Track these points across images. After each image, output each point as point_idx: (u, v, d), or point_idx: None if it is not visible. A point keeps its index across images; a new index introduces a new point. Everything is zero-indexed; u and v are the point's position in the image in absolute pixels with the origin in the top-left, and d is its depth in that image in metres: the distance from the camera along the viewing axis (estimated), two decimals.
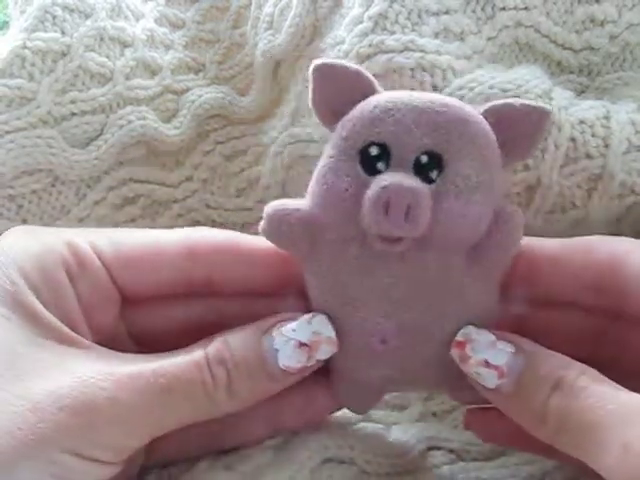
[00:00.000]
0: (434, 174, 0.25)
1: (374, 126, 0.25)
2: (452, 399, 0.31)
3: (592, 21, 0.33)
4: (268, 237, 0.27)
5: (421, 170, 0.25)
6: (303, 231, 0.26)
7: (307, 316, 0.27)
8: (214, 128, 0.40)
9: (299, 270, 0.27)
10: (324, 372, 0.28)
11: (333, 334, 0.27)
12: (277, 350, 0.26)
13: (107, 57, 0.38)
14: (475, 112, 0.26)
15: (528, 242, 0.27)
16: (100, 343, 0.27)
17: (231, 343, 0.26)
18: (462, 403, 0.31)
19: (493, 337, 0.26)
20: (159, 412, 0.25)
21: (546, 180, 0.30)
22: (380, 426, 0.33)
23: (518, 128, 0.26)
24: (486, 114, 0.26)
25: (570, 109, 0.30)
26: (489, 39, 0.32)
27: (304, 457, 0.28)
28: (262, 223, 0.27)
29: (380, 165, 0.25)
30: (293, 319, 0.27)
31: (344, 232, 0.26)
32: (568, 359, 0.25)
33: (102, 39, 0.38)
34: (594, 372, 0.24)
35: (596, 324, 0.27)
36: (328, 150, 0.26)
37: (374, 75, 0.30)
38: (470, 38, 0.32)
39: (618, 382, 0.24)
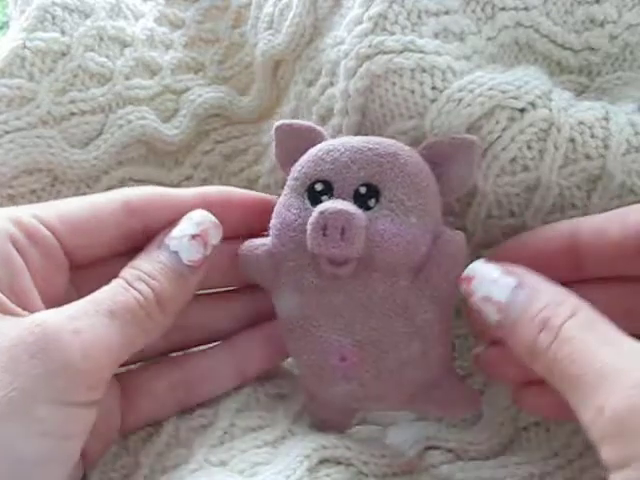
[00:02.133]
0: (372, 202, 0.28)
1: (317, 165, 0.29)
2: (417, 413, 0.32)
3: (592, 21, 0.33)
4: (242, 270, 0.31)
5: (361, 200, 0.28)
6: (268, 262, 0.30)
7: (187, 215, 0.30)
8: (214, 128, 0.40)
9: (219, 215, 0.30)
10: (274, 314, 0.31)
11: (214, 218, 0.30)
12: (177, 252, 0.29)
13: (107, 57, 0.38)
14: (407, 148, 0.29)
15: (575, 220, 0.28)
16: None
17: (139, 265, 0.29)
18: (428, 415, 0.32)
19: (497, 272, 0.26)
20: (113, 336, 0.27)
21: (545, 181, 0.30)
22: (378, 427, 0.33)
23: (451, 160, 0.29)
24: (421, 150, 0.29)
25: (569, 110, 0.30)
26: (489, 39, 0.32)
27: (301, 456, 0.29)
28: (238, 260, 0.31)
29: (325, 198, 0.28)
30: (176, 224, 0.29)
31: (299, 259, 0.29)
32: (563, 295, 0.25)
33: (102, 39, 0.38)
34: (585, 313, 0.24)
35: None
36: (284, 190, 0.30)
37: (374, 75, 0.30)
38: (470, 38, 0.32)
39: None
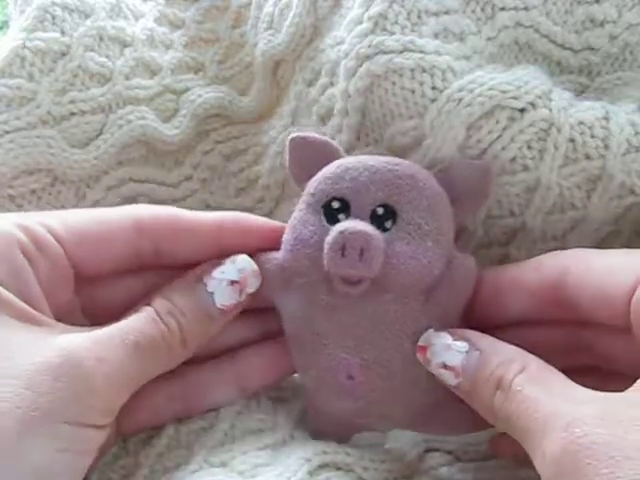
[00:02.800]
0: (389, 223, 0.28)
1: (335, 183, 0.29)
2: (422, 433, 0.32)
3: (592, 21, 0.33)
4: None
5: (377, 220, 0.28)
6: (278, 276, 0.30)
7: (231, 258, 0.30)
8: (214, 128, 0.40)
9: (235, 242, 0.30)
10: (280, 335, 0.31)
11: (256, 267, 0.30)
12: (212, 293, 0.29)
13: (107, 57, 0.38)
14: (424, 171, 0.29)
15: (492, 269, 0.30)
16: (57, 320, 0.28)
17: (171, 297, 0.29)
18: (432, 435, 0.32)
19: (450, 339, 0.27)
20: (134, 366, 0.27)
21: (545, 181, 0.30)
22: (377, 433, 0.33)
23: (465, 184, 0.29)
24: (437, 173, 0.29)
25: (569, 110, 0.30)
26: (489, 39, 0.32)
27: (302, 459, 0.28)
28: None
29: (341, 217, 0.28)
30: (218, 264, 0.29)
31: (312, 276, 0.29)
32: (514, 353, 0.26)
33: (102, 39, 0.38)
34: (535, 367, 0.25)
35: (564, 336, 0.28)
36: (299, 205, 0.30)
37: (374, 75, 0.30)
38: (470, 38, 0.32)
39: (601, 385, 0.24)
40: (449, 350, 0.27)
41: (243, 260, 0.30)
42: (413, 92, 0.30)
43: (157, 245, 0.30)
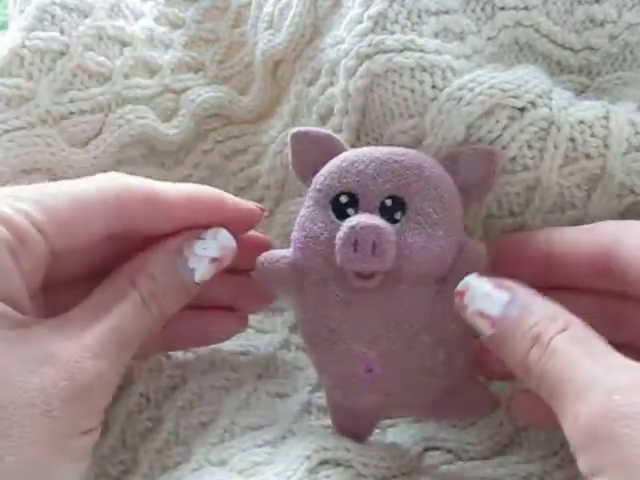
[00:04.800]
0: (398, 215, 0.28)
1: (342, 177, 0.28)
2: (441, 419, 0.33)
3: (592, 21, 0.33)
4: (259, 282, 0.31)
5: (387, 212, 0.28)
6: (290, 275, 0.29)
7: (212, 232, 0.30)
8: (214, 127, 0.40)
9: (210, 219, 0.30)
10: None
11: (235, 243, 0.30)
12: (193, 269, 0.29)
13: (106, 56, 0.38)
14: (430, 159, 0.29)
15: (544, 230, 0.29)
16: None
17: (154, 274, 0.29)
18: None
19: (490, 286, 0.26)
20: (124, 363, 0.28)
21: (545, 180, 0.30)
22: (377, 430, 0.33)
23: (471, 170, 0.29)
24: (443, 160, 0.29)
25: (569, 109, 0.30)
26: (489, 39, 0.32)
27: (302, 457, 0.28)
28: (255, 271, 0.30)
29: (350, 211, 0.28)
30: (198, 237, 0.29)
31: (324, 272, 0.28)
32: (556, 311, 0.25)
33: (101, 38, 0.38)
34: (576, 329, 0.25)
35: (608, 309, 0.28)
36: (306, 202, 0.29)
37: (374, 74, 0.30)
38: (470, 38, 0.32)
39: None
40: (488, 298, 0.26)
41: (224, 236, 0.30)
42: (413, 91, 0.30)
43: (131, 224, 0.29)
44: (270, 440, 0.30)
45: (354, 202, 0.28)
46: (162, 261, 0.29)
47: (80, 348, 0.26)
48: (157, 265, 0.29)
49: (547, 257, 0.28)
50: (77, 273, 0.30)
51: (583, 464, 0.22)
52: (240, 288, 0.33)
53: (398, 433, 0.33)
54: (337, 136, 0.30)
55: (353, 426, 0.32)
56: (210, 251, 0.29)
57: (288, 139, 0.31)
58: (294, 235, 0.29)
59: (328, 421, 0.33)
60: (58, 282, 0.30)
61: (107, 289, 0.29)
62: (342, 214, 0.28)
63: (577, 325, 0.25)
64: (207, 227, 0.30)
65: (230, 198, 0.31)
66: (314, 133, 0.30)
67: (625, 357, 0.24)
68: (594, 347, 0.24)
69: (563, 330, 0.24)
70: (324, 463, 0.29)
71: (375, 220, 0.27)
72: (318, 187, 0.29)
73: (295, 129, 0.31)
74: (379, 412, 0.31)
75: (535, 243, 0.29)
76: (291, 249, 0.29)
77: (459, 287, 0.27)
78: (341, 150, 0.30)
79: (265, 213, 0.32)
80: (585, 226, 0.28)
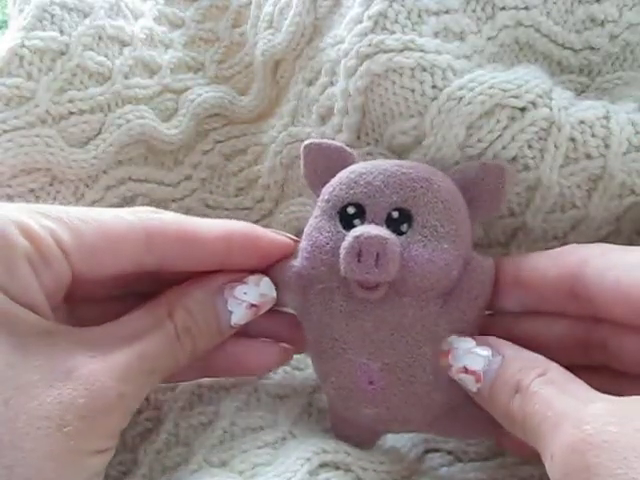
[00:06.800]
0: (404, 227, 0.28)
1: (350, 188, 0.29)
2: (442, 437, 0.32)
3: (592, 21, 0.33)
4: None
5: (393, 224, 0.28)
6: (296, 283, 0.30)
7: (254, 278, 0.30)
8: (213, 127, 0.40)
9: (243, 260, 0.30)
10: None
11: (275, 294, 0.30)
12: (231, 312, 0.29)
13: (106, 56, 0.38)
14: (440, 172, 0.29)
15: (510, 257, 0.30)
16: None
17: (193, 311, 0.29)
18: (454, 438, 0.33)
19: (473, 343, 0.27)
20: (147, 390, 0.28)
21: (546, 180, 0.30)
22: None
23: (480, 185, 0.29)
24: (452, 175, 0.29)
25: (570, 109, 0.30)
26: (489, 39, 0.32)
27: (302, 459, 0.28)
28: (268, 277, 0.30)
29: (357, 222, 0.28)
30: (240, 280, 0.30)
31: (329, 282, 0.29)
32: (535, 359, 0.26)
33: (101, 38, 0.38)
34: (553, 371, 0.25)
35: (578, 332, 0.28)
36: (315, 212, 0.30)
37: (374, 74, 0.30)
38: (470, 38, 0.32)
39: (610, 385, 0.24)
40: (471, 354, 0.27)
41: (266, 284, 0.30)
42: (413, 91, 0.30)
43: (163, 260, 0.29)
44: (270, 442, 0.30)
45: (361, 213, 0.28)
46: (201, 298, 0.29)
47: (105, 367, 0.26)
48: (196, 301, 0.29)
49: (516, 284, 0.28)
50: (103, 294, 0.30)
51: None
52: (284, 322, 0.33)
53: (397, 436, 0.33)
54: (349, 149, 0.31)
55: (354, 437, 0.31)
56: (250, 297, 0.29)
57: (301, 150, 0.31)
58: (301, 244, 0.29)
59: (328, 423, 0.33)
60: (82, 299, 0.29)
61: (142, 315, 0.28)
62: (349, 225, 0.28)
63: (554, 368, 0.25)
64: (242, 266, 0.30)
65: (264, 233, 0.30)
66: (326, 145, 0.31)
67: (592, 385, 0.24)
68: (569, 385, 0.24)
69: (540, 375, 0.25)
70: (324, 466, 0.29)
71: (380, 231, 0.27)
72: (326, 197, 0.29)
73: (308, 141, 0.31)
74: (380, 425, 0.31)
75: (504, 270, 0.29)
76: (298, 259, 0.30)
77: (443, 346, 0.28)
78: (352, 162, 0.30)
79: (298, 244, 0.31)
80: (551, 251, 0.28)
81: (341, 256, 0.27)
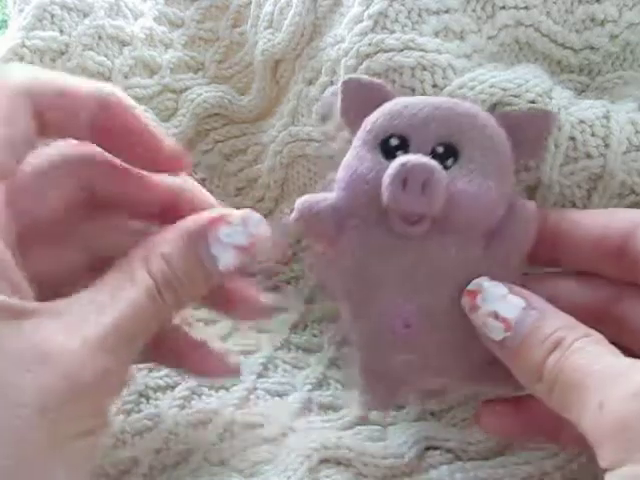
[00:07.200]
0: (450, 162, 0.27)
1: (394, 119, 0.27)
2: (472, 390, 0.31)
3: (592, 20, 0.33)
4: (298, 225, 0.28)
5: (438, 159, 0.26)
6: (330, 217, 0.27)
7: (240, 218, 0.27)
8: (213, 127, 0.40)
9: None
10: None
11: (269, 230, 0.27)
12: (216, 257, 0.26)
13: (105, 56, 0.38)
14: (485, 112, 0.28)
15: (554, 210, 0.29)
16: None
17: (172, 261, 0.26)
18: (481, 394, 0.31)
19: (506, 290, 0.26)
20: (131, 356, 0.26)
21: (546, 180, 0.30)
22: (377, 427, 0.33)
23: (526, 130, 0.28)
24: (497, 117, 0.28)
25: (570, 109, 0.30)
26: (489, 38, 0.32)
27: (302, 457, 0.28)
28: (293, 214, 0.28)
29: (400, 154, 0.27)
30: (225, 220, 0.27)
31: (367, 216, 0.27)
32: (574, 321, 0.25)
33: (100, 38, 0.38)
34: (597, 336, 0.24)
35: (599, 302, 0.28)
36: (354, 143, 0.28)
37: (374, 74, 0.30)
38: (470, 37, 0.32)
39: None
40: (504, 301, 0.26)
41: (257, 221, 0.27)
42: (414, 90, 0.30)
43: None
44: (270, 438, 0.30)
45: (404, 146, 0.27)
46: (180, 244, 0.26)
47: (82, 344, 0.24)
48: (174, 249, 0.26)
49: (556, 235, 0.28)
50: (54, 231, 0.28)
51: (609, 453, 0.21)
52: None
53: (398, 432, 0.33)
54: (390, 86, 0.29)
55: (378, 394, 0.30)
56: (236, 238, 0.26)
57: (339, 86, 0.29)
58: (339, 175, 0.28)
59: (329, 419, 0.33)
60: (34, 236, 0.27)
61: (115, 275, 0.26)
62: (391, 157, 0.27)
63: (597, 334, 0.24)
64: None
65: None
66: (366, 81, 0.29)
67: None
68: (615, 350, 0.24)
69: (585, 336, 0.24)
70: (324, 462, 0.29)
71: (428, 160, 0.26)
72: (368, 128, 0.28)
73: (347, 76, 0.30)
74: (411, 376, 0.29)
75: (547, 220, 0.28)
76: (333, 192, 0.28)
77: (470, 287, 0.26)
78: (393, 98, 0.28)
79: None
80: (603, 210, 0.28)
81: (384, 185, 0.26)
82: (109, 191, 0.28)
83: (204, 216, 0.27)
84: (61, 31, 0.37)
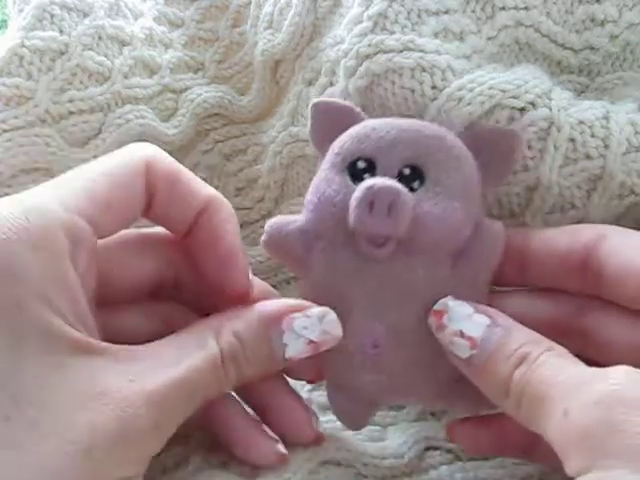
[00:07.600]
0: (416, 184, 0.27)
1: (361, 142, 0.28)
2: (443, 408, 0.32)
3: (592, 21, 0.33)
4: (267, 248, 0.29)
5: (404, 181, 0.27)
6: (298, 240, 0.28)
7: (318, 313, 0.27)
8: (213, 127, 0.40)
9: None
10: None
11: (341, 333, 0.27)
12: (286, 345, 0.27)
13: (105, 56, 0.38)
14: (451, 133, 0.28)
15: (520, 229, 0.29)
16: None
17: (243, 338, 0.27)
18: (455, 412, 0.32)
19: (471, 309, 0.26)
20: (183, 417, 0.26)
21: (545, 181, 0.30)
22: (377, 428, 0.33)
23: (491, 149, 0.28)
24: (464, 138, 0.28)
25: (569, 110, 0.30)
26: (489, 39, 0.32)
27: (302, 458, 0.28)
28: (263, 236, 0.29)
29: (367, 177, 0.27)
30: (301, 311, 0.27)
31: (334, 238, 0.27)
32: (539, 336, 0.26)
33: (100, 38, 0.38)
34: (561, 349, 0.25)
35: (563, 317, 0.28)
36: (322, 166, 0.29)
37: (374, 74, 0.30)
38: (470, 38, 0.32)
39: None
40: (470, 320, 0.26)
41: (331, 322, 0.27)
42: (413, 91, 0.30)
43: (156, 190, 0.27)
44: None
45: (372, 168, 0.27)
46: (254, 325, 0.27)
47: (142, 394, 0.24)
48: (248, 328, 0.27)
49: (522, 253, 0.28)
50: (130, 294, 0.29)
51: (574, 461, 0.21)
52: None
53: (398, 433, 0.33)
54: (358, 108, 0.30)
55: (350, 411, 0.30)
56: (310, 333, 0.27)
57: (309, 108, 0.30)
58: (307, 198, 0.28)
59: (328, 419, 0.33)
60: (112, 301, 0.28)
61: (186, 336, 0.27)
62: (358, 180, 0.27)
63: (561, 347, 0.25)
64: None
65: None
66: (335, 104, 0.30)
67: None
68: (578, 362, 0.24)
69: (549, 349, 0.25)
70: (324, 463, 0.29)
71: (393, 182, 0.26)
72: (336, 151, 0.28)
73: (317, 99, 0.30)
74: (380, 395, 0.30)
75: (513, 238, 0.28)
76: (302, 214, 0.28)
77: (436, 307, 0.27)
78: (361, 121, 0.29)
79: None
80: (564, 226, 0.28)
81: (351, 207, 0.26)
82: (190, 282, 0.29)
83: (282, 302, 0.28)
84: (61, 31, 0.37)
